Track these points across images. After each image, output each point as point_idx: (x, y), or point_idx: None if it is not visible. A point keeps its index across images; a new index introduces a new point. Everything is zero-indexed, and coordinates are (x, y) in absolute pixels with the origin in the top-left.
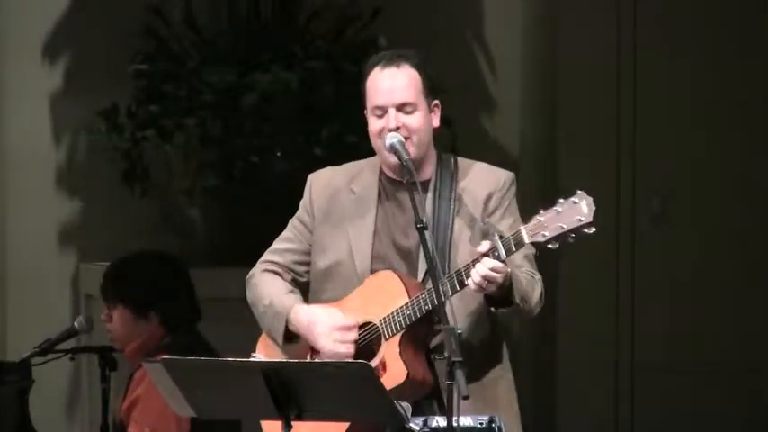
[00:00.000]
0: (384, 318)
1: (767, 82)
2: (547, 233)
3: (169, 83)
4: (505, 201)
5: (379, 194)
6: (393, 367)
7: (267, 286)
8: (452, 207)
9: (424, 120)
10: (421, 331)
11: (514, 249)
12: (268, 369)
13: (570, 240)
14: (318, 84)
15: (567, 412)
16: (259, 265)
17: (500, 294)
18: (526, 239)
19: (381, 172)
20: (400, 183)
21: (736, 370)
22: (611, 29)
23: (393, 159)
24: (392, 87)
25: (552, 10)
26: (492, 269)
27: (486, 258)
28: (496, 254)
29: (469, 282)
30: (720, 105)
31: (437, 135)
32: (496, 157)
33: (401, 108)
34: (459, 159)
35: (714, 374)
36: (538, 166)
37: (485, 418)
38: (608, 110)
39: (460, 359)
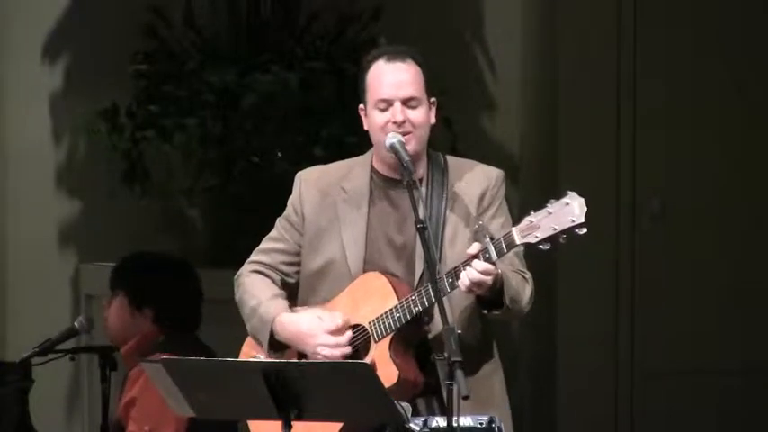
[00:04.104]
0: (373, 320)
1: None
2: (539, 234)
3: (169, 83)
4: (497, 199)
5: (371, 192)
6: (384, 369)
7: (254, 288)
8: (445, 205)
9: (426, 116)
10: (410, 332)
11: (506, 251)
12: (268, 369)
13: (562, 241)
14: (318, 84)
15: (567, 413)
16: (247, 265)
17: (491, 296)
18: (518, 241)
19: (373, 169)
20: (392, 180)
21: (736, 370)
22: (612, 29)
23: (391, 159)
24: (398, 81)
25: (552, 10)
26: (482, 271)
27: (476, 261)
28: (487, 255)
29: (459, 284)
30: (721, 105)
31: (437, 134)
32: (496, 158)
33: (406, 102)
34: (449, 157)
35: (714, 375)
36: (538, 167)
37: (485, 418)
38: (608, 110)
39: (460, 359)
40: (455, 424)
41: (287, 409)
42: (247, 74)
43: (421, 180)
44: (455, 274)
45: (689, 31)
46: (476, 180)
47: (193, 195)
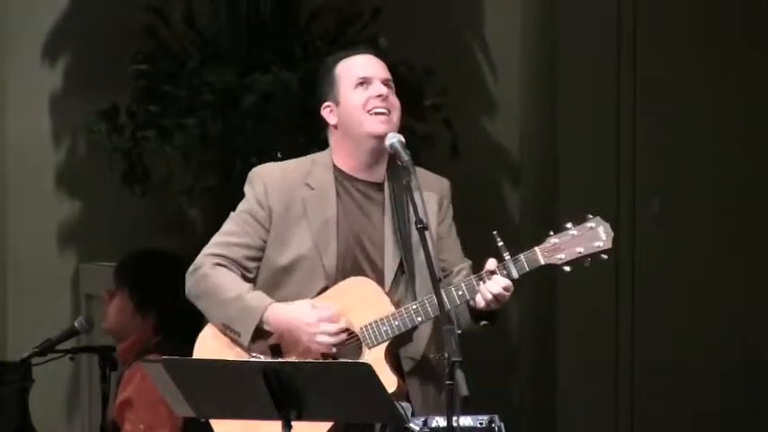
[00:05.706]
0: (366, 326)
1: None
2: (563, 256)
3: (169, 83)
4: (450, 209)
5: (336, 190)
6: (382, 376)
7: (228, 280)
8: (408, 209)
9: (398, 103)
10: (402, 342)
11: (527, 269)
12: (268, 369)
13: (586, 264)
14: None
15: (567, 412)
16: (207, 258)
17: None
18: (541, 261)
19: (335, 167)
20: (355, 179)
21: (736, 370)
22: (612, 29)
23: (370, 143)
24: (376, 63)
25: (552, 10)
26: (505, 287)
27: (497, 276)
28: (505, 272)
29: (479, 298)
30: (721, 105)
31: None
32: (496, 158)
33: (385, 83)
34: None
35: (714, 375)
36: (538, 167)
37: (485, 418)
38: (608, 110)
39: (460, 359)
40: (455, 424)
41: (287, 409)
42: (247, 74)
43: (382, 184)
44: (467, 287)
45: (689, 31)
46: (432, 186)
47: (193, 195)
